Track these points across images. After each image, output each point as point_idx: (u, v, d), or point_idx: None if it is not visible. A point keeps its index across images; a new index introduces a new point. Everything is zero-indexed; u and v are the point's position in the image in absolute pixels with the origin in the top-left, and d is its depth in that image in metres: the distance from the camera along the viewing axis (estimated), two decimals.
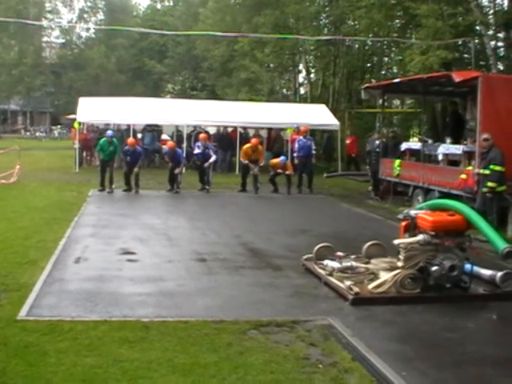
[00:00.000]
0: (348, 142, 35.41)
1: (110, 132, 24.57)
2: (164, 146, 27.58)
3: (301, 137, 25.91)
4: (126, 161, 23.81)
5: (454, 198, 15.34)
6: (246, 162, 24.48)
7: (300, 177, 25.11)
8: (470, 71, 22.88)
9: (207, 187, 24.10)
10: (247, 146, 25.05)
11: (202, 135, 25.87)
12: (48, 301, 9.53)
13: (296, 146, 25.78)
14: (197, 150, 24.75)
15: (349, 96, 43.97)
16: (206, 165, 24.05)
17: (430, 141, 21.95)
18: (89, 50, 75.60)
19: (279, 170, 24.69)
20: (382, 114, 30.43)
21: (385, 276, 10.46)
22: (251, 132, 34.37)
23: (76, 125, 32.06)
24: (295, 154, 25.72)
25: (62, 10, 79.30)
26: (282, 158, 25.05)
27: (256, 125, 33.55)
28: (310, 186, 25.03)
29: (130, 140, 24.68)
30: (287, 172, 24.61)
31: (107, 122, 32.55)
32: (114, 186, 23.29)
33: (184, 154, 26.57)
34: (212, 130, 35.27)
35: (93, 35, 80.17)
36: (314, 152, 25.36)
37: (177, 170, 23.58)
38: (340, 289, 10.32)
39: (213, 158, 24.28)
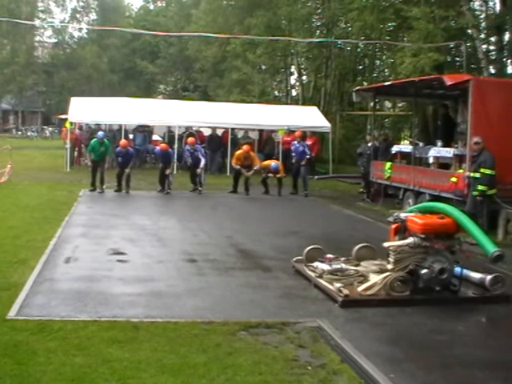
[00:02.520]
0: (309, 143, 35.16)
1: (100, 133, 24.55)
2: (157, 147, 27.45)
3: (295, 141, 25.87)
4: (117, 161, 23.77)
5: (445, 200, 15.41)
6: (238, 167, 24.53)
7: (294, 181, 25.10)
8: (462, 74, 22.95)
9: (200, 188, 24.09)
10: (239, 152, 25.08)
11: (189, 139, 25.74)
12: (38, 300, 9.51)
13: (292, 148, 25.83)
14: (187, 156, 24.73)
15: (340, 98, 44.00)
16: (199, 171, 24.05)
17: (420, 144, 22.01)
18: (81, 49, 75.29)
19: (270, 174, 24.72)
20: (374, 117, 30.47)
21: (374, 278, 10.48)
22: (240, 133, 34.39)
23: (68, 124, 32.02)
24: (293, 154, 25.71)
25: (54, 9, 79.06)
26: (273, 164, 24.99)
27: (247, 126, 33.63)
28: (305, 190, 24.90)
29: (123, 141, 24.67)
30: (278, 175, 24.65)
31: (99, 122, 32.50)
32: (104, 186, 23.29)
33: (175, 155, 26.50)
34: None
35: (85, 35, 79.87)
36: (307, 157, 25.19)
37: (167, 171, 23.58)
38: (330, 291, 10.32)
39: (202, 162, 24.18)
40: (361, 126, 41.34)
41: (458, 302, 10.44)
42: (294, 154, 25.48)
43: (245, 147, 25.28)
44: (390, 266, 10.43)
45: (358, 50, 43.84)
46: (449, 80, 18.17)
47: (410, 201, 20.01)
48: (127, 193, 23.23)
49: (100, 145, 23.32)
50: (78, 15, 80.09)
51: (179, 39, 62.27)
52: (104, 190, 23.15)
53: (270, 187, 24.62)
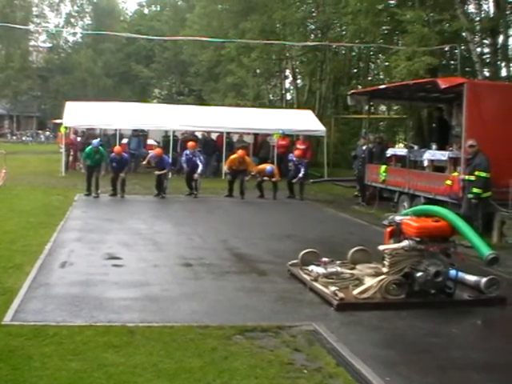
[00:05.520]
0: (303, 147, 35.00)
1: (95, 142, 24.26)
2: (151, 152, 27.31)
3: (293, 157, 25.65)
4: (112, 167, 23.70)
5: (440, 203, 15.42)
6: (228, 171, 24.62)
7: (290, 185, 25.07)
8: (456, 77, 22.99)
9: (195, 192, 24.11)
10: (234, 156, 25.09)
11: (190, 143, 25.65)
12: (33, 305, 9.49)
13: (290, 161, 25.75)
14: (183, 162, 24.72)
15: (335, 102, 44.06)
16: (196, 176, 24.05)
17: (415, 147, 22.04)
18: (76, 54, 75.41)
19: (265, 178, 24.72)
20: (368, 120, 30.47)
21: (370, 282, 10.49)
22: (235, 137, 34.36)
23: (62, 129, 31.98)
24: (290, 164, 25.63)
25: (48, 14, 79.44)
26: (268, 168, 25.00)
27: (242, 130, 33.59)
28: (301, 193, 24.87)
29: (117, 148, 24.61)
30: (273, 179, 24.65)
31: (94, 126, 32.45)
32: (99, 191, 23.25)
33: (170, 160, 26.43)
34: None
35: (80, 39, 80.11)
36: (300, 176, 24.72)
37: (160, 172, 23.54)
38: (325, 294, 10.32)
39: (200, 168, 24.17)
40: (356, 130, 41.26)
41: (453, 304, 10.46)
42: (291, 164, 25.39)
43: (239, 152, 25.25)
44: (385, 269, 10.44)
45: (353, 53, 43.90)
46: (443, 83, 18.22)
47: (405, 204, 20.01)
48: (122, 197, 23.20)
49: (95, 153, 23.25)
50: (72, 20, 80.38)
51: (174, 43, 62.26)
52: (99, 195, 23.11)
53: (265, 191, 24.62)
